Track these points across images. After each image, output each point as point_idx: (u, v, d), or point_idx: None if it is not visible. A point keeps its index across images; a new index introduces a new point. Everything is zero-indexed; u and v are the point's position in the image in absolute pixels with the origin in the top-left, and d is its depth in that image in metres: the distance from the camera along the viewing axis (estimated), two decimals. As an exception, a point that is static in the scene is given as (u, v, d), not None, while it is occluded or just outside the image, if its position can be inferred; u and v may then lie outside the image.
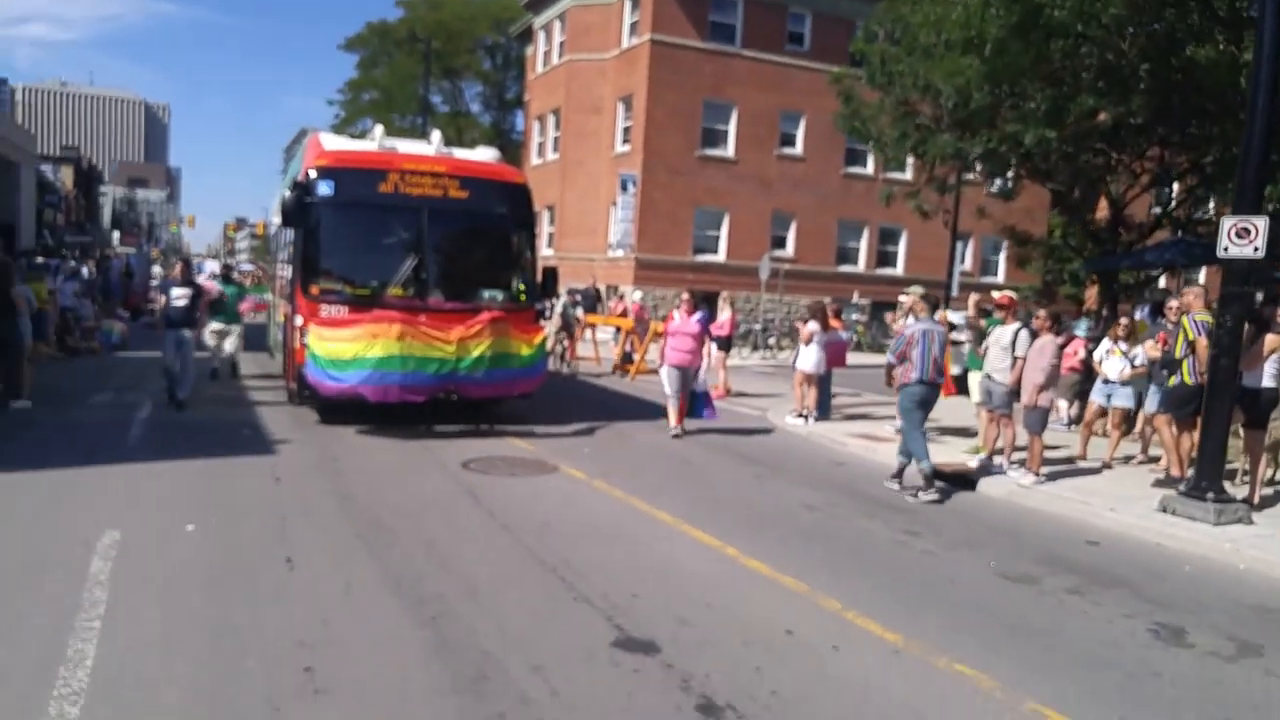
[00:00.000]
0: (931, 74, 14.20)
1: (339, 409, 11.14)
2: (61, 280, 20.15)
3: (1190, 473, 9.01)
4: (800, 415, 13.82)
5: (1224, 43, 11.86)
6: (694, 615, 5.57)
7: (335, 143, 12.92)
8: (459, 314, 11.29)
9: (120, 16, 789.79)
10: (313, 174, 11.53)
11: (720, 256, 32.77)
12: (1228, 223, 8.34)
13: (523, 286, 12.48)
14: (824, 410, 14.09)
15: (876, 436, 12.68)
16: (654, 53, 30.67)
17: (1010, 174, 17.26)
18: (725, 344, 17.28)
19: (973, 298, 12.79)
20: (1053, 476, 10.27)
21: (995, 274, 36.83)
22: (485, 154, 13.43)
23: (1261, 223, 8.14)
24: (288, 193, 11.80)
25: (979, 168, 16.21)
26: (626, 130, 32.42)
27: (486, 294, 12.03)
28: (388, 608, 5.49)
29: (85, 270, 26.90)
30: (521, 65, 45.24)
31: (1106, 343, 11.68)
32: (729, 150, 32.47)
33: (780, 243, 33.52)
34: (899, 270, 35.15)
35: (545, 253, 32.69)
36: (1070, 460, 11.38)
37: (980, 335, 11.40)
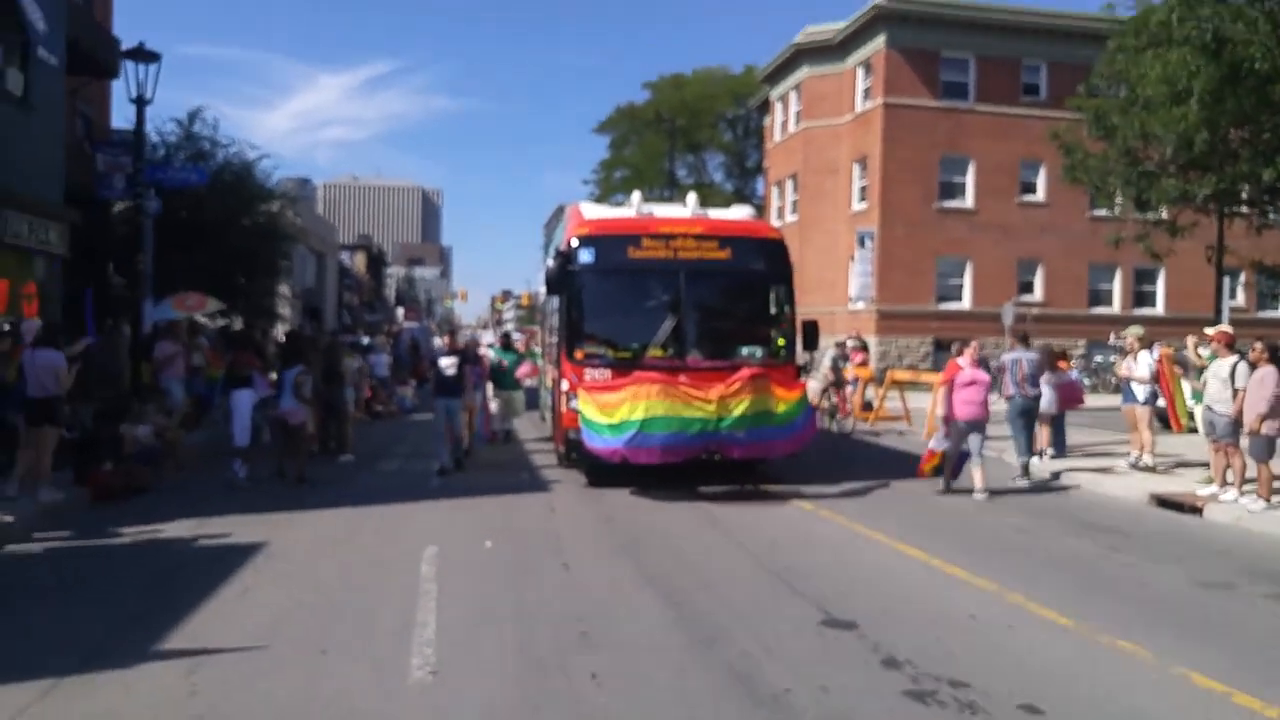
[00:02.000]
0: (1149, 124, 14.46)
1: (606, 470, 11.29)
2: (375, 356, 23.57)
3: None
4: (1036, 453, 14.21)
5: None
6: (892, 605, 6.65)
7: (595, 211, 13.31)
8: (718, 372, 11.18)
9: (404, 115, 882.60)
10: (574, 242, 11.94)
11: (965, 304, 32.76)
12: None
13: (782, 341, 12.38)
14: (1059, 448, 14.39)
15: (1108, 470, 12.94)
16: (888, 115, 31.59)
17: (1253, 210, 16.85)
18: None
19: (1190, 338, 12.87)
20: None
21: (1275, 308, 34.19)
22: (740, 212, 13.64)
23: None
24: (551, 262, 12.27)
25: (1211, 207, 16.04)
26: (863, 189, 33.36)
27: (745, 350, 12.01)
28: (643, 596, 6.96)
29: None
30: (760, 134, 47.29)
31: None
32: (968, 201, 32.61)
33: (1027, 287, 33.05)
34: (1159, 310, 33.56)
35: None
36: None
37: (1200, 371, 11.57)
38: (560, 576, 7.54)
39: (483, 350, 17.12)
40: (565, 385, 11.76)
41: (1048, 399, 13.87)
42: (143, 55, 14.82)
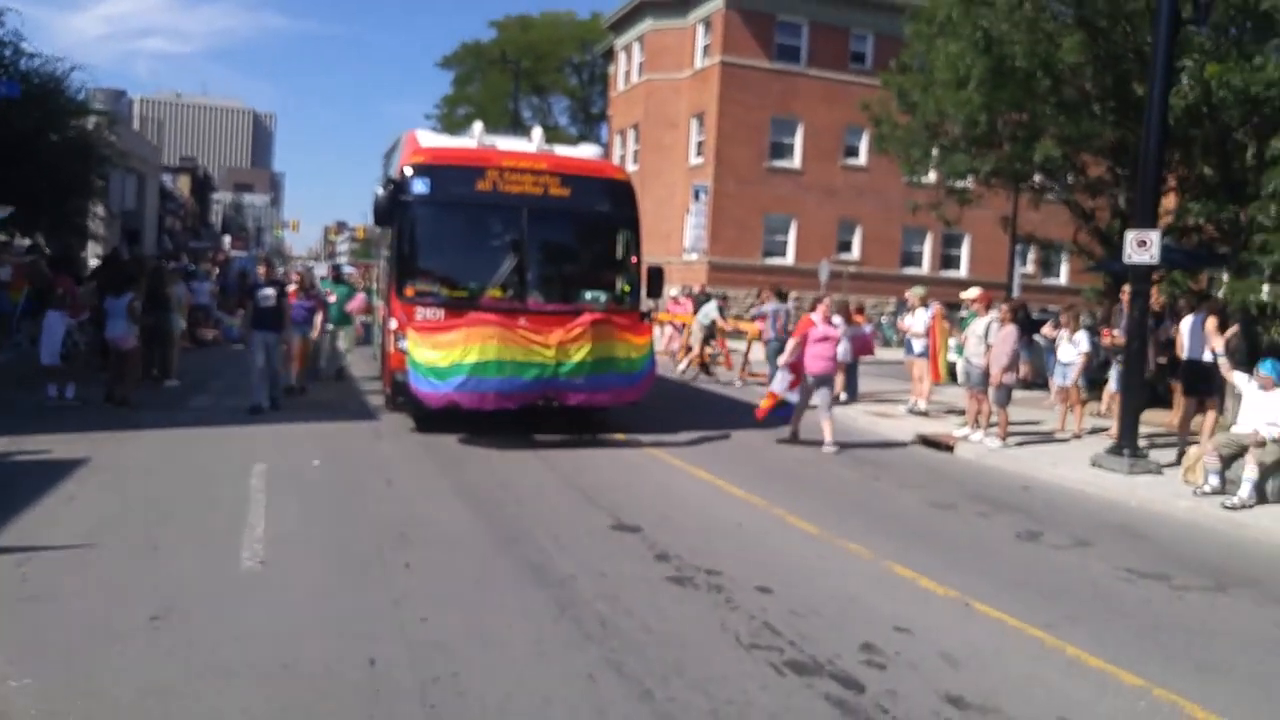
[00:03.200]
0: (943, 103, 16.16)
1: (435, 417, 10.84)
2: (198, 282, 23.21)
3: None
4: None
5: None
6: (674, 514, 7.74)
7: (432, 139, 12.53)
8: (559, 316, 10.80)
9: (234, 30, 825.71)
10: (408, 171, 11.25)
11: (789, 259, 34.70)
12: (1130, 234, 10.19)
13: (627, 287, 11.98)
14: (852, 394, 15.97)
15: (888, 415, 14.54)
16: (724, 73, 32.85)
17: (1025, 185, 18.97)
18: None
19: (965, 294, 14.55)
20: (1025, 443, 12.12)
21: (1058, 276, 37.80)
22: (587, 150, 13.19)
23: (1154, 235, 10.09)
24: (381, 190, 11.58)
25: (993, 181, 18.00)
26: (699, 144, 34.64)
27: (588, 295, 11.62)
28: (457, 506, 7.80)
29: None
30: (606, 81, 47.84)
31: (1061, 331, 13.38)
32: (795, 162, 34.43)
33: (846, 246, 35.33)
34: (963, 273, 36.46)
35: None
36: (1050, 432, 13.12)
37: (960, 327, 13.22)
38: (382, 490, 8.26)
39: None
40: (394, 324, 11.16)
41: (842, 349, 15.34)
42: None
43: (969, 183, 19.12)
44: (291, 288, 13.97)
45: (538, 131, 12.58)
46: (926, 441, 12.44)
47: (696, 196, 32.71)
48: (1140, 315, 10.36)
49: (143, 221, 45.88)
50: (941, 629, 5.36)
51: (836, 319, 15.62)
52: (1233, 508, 8.82)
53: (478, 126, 12.31)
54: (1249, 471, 9.07)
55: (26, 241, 21.06)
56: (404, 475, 8.93)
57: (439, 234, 11.47)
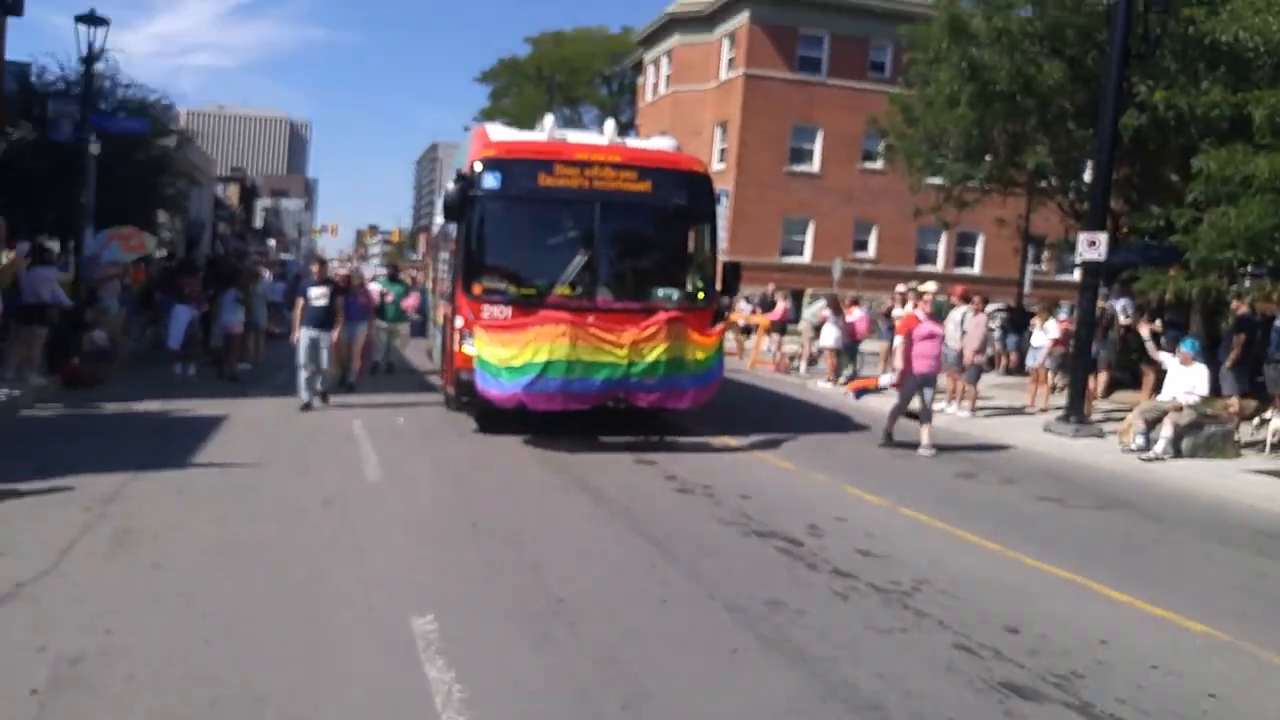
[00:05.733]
0: (940, 119, 18.37)
1: (498, 416, 10.73)
2: (275, 283, 25.49)
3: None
4: (828, 380, 17.83)
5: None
6: (685, 456, 9.94)
7: (502, 133, 12.26)
8: (631, 315, 10.53)
9: (276, 44, 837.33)
10: (478, 166, 10.89)
11: (806, 258, 36.75)
12: (1082, 236, 12.23)
13: (701, 284, 11.70)
14: (853, 375, 18.01)
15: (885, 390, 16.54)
16: (748, 85, 35.02)
17: (1018, 189, 20.98)
18: (780, 328, 21.58)
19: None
20: (995, 415, 14.21)
21: (1071, 273, 39.41)
22: (662, 142, 12.81)
23: (1103, 236, 12.10)
24: (450, 185, 11.21)
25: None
26: (722, 151, 36.77)
27: (661, 293, 11.29)
28: (520, 448, 10.06)
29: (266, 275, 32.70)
30: (634, 92, 50.13)
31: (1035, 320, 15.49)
32: (815, 166, 36.48)
33: (862, 246, 37.30)
34: (976, 270, 38.29)
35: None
36: (1021, 408, 15.12)
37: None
38: (456, 439, 10.61)
39: (372, 286, 17.42)
40: (460, 323, 10.80)
41: (835, 335, 17.46)
42: (94, 20, 17.29)
43: (968, 186, 21.18)
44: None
45: (610, 124, 12.36)
46: (909, 414, 14.44)
47: (718, 200, 34.67)
48: (1089, 305, 12.41)
49: (201, 228, 48.97)
50: (868, 519, 7.57)
51: (824, 311, 17.77)
52: (1148, 459, 10.87)
53: (549, 120, 12.01)
54: (1165, 430, 11.12)
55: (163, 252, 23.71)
56: (470, 427, 11.16)
57: (509, 230, 11.20)
